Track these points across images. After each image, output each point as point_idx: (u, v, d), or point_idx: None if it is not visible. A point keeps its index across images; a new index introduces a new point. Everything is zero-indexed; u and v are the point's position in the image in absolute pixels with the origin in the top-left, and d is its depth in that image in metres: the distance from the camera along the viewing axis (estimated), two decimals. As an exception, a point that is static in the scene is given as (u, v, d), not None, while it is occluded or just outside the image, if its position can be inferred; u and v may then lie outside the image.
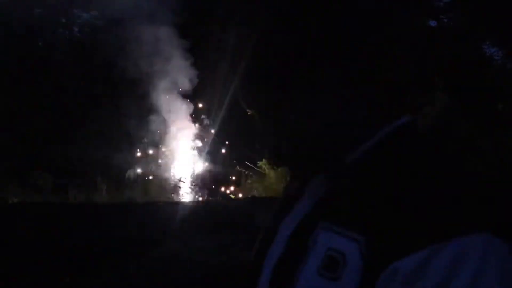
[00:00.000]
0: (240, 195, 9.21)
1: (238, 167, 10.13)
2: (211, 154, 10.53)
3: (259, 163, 10.04)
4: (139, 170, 9.91)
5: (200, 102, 10.91)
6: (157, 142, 10.56)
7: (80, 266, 5.36)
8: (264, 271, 0.93)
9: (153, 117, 10.28)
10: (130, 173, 9.74)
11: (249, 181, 9.89)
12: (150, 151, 10.49)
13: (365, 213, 0.77)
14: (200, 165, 10.24)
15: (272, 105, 0.89)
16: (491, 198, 0.73)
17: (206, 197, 9.34)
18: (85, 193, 8.25)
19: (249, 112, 0.96)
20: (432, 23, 14.99)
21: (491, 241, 0.67)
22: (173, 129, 10.40)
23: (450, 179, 0.75)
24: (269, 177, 9.62)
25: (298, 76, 0.84)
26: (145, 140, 10.59)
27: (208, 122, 10.87)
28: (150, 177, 9.84)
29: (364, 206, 0.78)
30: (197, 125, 10.66)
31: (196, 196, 9.46)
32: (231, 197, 9.27)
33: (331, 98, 0.85)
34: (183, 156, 10.38)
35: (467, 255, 0.66)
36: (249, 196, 8.50)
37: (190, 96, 10.54)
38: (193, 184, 9.81)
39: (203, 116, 10.93)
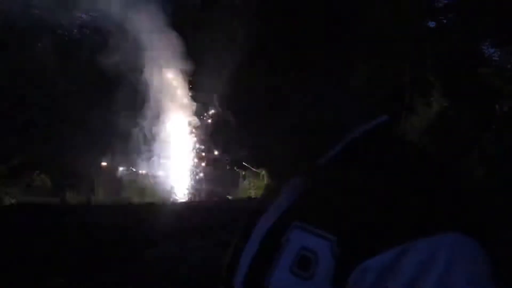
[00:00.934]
0: (237, 196, 9.21)
1: (235, 168, 10.12)
2: (208, 154, 10.53)
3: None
4: (134, 170, 9.91)
5: (196, 101, 10.92)
6: (152, 142, 10.57)
7: (75, 266, 5.36)
8: (240, 269, 0.92)
9: (147, 116, 10.29)
10: (123, 173, 9.74)
11: (245, 181, 9.88)
12: (147, 151, 10.50)
13: (337, 213, 0.77)
14: (196, 165, 10.24)
15: (250, 110, 0.90)
16: (462, 198, 0.73)
17: (202, 197, 9.34)
18: (82, 194, 8.25)
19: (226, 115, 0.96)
20: (431, 23, 15.04)
21: (461, 240, 0.67)
22: (168, 128, 10.40)
23: (419, 180, 0.74)
24: (266, 178, 9.63)
25: (278, 79, 0.85)
26: (140, 139, 10.60)
27: (203, 122, 10.88)
28: (145, 177, 9.84)
29: (336, 206, 0.78)
30: (193, 125, 10.67)
31: (193, 197, 9.46)
32: (228, 198, 9.27)
33: (311, 100, 0.86)
34: (179, 157, 10.38)
35: (437, 254, 0.65)
36: (246, 196, 8.49)
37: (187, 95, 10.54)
38: (190, 184, 9.82)
39: (201, 116, 10.94)
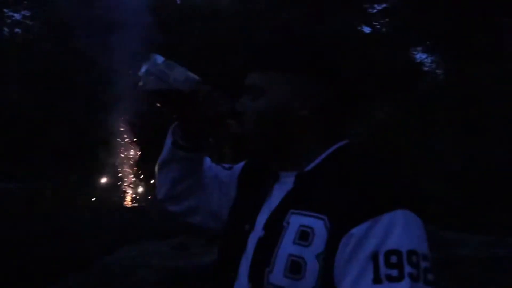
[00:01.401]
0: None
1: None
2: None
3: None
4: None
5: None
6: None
7: (32, 274, 5.30)
8: (247, 249, 1.21)
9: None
10: (74, 177, 9.60)
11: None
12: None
13: (324, 200, 1.11)
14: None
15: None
16: (406, 187, 1.11)
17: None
18: (36, 199, 8.08)
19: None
20: (366, 29, 15.57)
21: (409, 214, 1.04)
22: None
23: (379, 177, 1.12)
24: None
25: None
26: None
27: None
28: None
29: (323, 196, 1.12)
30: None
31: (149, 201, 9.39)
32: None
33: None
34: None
35: (396, 222, 1.02)
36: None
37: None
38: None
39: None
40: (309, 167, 1.21)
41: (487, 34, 10.58)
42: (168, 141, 1.40)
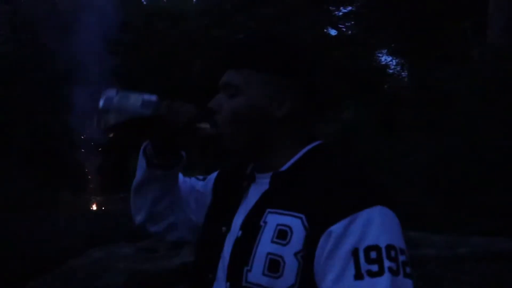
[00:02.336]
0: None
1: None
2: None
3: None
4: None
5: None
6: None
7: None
8: (224, 249, 1.23)
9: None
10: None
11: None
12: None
13: (301, 199, 1.13)
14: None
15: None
16: (381, 185, 1.15)
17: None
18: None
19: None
20: (332, 32, 15.72)
21: (385, 210, 1.08)
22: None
23: (354, 175, 1.16)
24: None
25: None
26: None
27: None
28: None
29: (299, 195, 1.15)
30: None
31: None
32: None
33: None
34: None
35: (374, 218, 1.05)
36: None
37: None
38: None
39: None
40: (285, 167, 1.23)
41: (451, 37, 10.79)
42: (142, 163, 1.40)
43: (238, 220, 1.24)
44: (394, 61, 14.73)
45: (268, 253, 1.11)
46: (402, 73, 14.31)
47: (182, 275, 5.14)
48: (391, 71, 14.72)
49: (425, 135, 8.19)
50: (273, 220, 1.14)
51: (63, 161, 10.75)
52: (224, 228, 1.26)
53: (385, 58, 14.72)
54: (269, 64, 1.22)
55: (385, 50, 14.52)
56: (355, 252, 1.03)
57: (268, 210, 1.17)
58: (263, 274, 1.11)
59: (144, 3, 17.42)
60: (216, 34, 14.40)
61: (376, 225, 1.05)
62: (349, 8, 14.98)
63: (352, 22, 15.20)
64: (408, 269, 1.05)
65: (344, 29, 15.72)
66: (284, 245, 1.10)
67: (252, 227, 1.18)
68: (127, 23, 13.45)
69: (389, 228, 1.07)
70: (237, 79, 1.23)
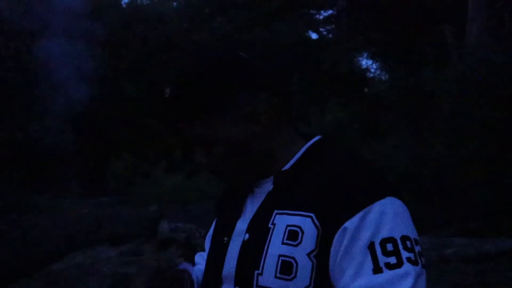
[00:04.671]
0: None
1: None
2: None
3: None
4: None
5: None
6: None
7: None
8: (229, 251, 1.19)
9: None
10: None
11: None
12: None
13: (310, 198, 1.09)
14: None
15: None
16: (386, 176, 1.14)
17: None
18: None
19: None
20: (314, 35, 15.80)
21: (396, 201, 1.06)
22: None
23: (361, 168, 1.14)
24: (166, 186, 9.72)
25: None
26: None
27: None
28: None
29: (307, 194, 1.11)
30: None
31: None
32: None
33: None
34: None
35: (386, 210, 1.03)
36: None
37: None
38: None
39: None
40: (287, 167, 1.19)
41: (430, 40, 10.90)
42: None
43: (241, 224, 1.20)
44: (374, 64, 14.85)
45: (280, 255, 1.08)
46: (382, 76, 14.43)
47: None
48: (371, 74, 14.84)
49: (406, 137, 8.26)
50: (282, 221, 1.11)
51: (42, 164, 10.63)
52: (225, 239, 1.21)
53: (365, 62, 14.77)
54: (219, 98, 1.14)
55: (366, 54, 14.63)
56: (371, 246, 1.02)
57: (275, 211, 1.13)
58: (276, 277, 1.08)
59: (124, 5, 17.32)
60: (195, 38, 14.40)
61: (389, 217, 1.03)
62: (330, 11, 15.07)
63: (333, 26, 15.28)
64: (423, 260, 1.05)
65: (325, 33, 15.81)
66: (296, 245, 1.07)
67: (260, 229, 1.14)
68: (105, 25, 13.38)
69: (402, 218, 1.06)
70: (203, 129, 1.15)
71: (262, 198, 1.19)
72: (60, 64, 10.88)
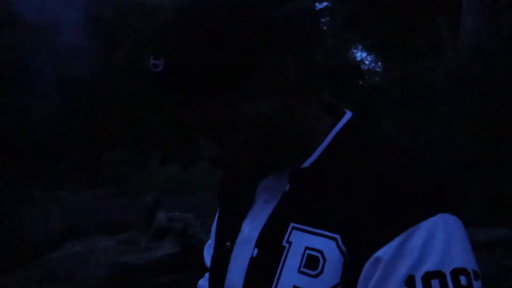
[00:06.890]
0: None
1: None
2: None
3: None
4: None
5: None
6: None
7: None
8: (234, 271, 0.98)
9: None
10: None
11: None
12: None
13: (334, 211, 0.84)
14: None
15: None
16: (441, 180, 0.86)
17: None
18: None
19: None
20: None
21: (450, 218, 0.81)
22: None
23: (405, 171, 0.85)
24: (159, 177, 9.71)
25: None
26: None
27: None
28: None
29: (331, 205, 0.85)
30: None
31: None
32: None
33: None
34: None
35: (436, 232, 0.78)
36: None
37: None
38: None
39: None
40: (306, 164, 0.91)
41: (425, 32, 10.94)
42: None
43: (248, 229, 0.98)
44: (369, 57, 14.88)
45: (295, 287, 0.86)
46: (377, 69, 14.46)
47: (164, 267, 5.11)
48: (366, 67, 14.86)
49: (401, 128, 8.28)
50: (300, 240, 0.87)
51: (37, 156, 10.61)
52: (228, 244, 1.01)
53: (360, 54, 14.79)
54: (245, 64, 0.83)
55: (361, 46, 14.64)
56: (409, 281, 0.78)
57: (292, 224, 0.89)
58: None
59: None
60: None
61: (438, 243, 0.78)
62: (325, 3, 15.05)
63: (328, 18, 15.27)
64: None
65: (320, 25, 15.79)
66: (315, 276, 0.84)
67: (272, 246, 0.91)
68: (100, 17, 13.33)
69: (456, 244, 0.80)
70: (216, 114, 0.85)
71: (276, 198, 0.94)
72: (52, 55, 10.84)
